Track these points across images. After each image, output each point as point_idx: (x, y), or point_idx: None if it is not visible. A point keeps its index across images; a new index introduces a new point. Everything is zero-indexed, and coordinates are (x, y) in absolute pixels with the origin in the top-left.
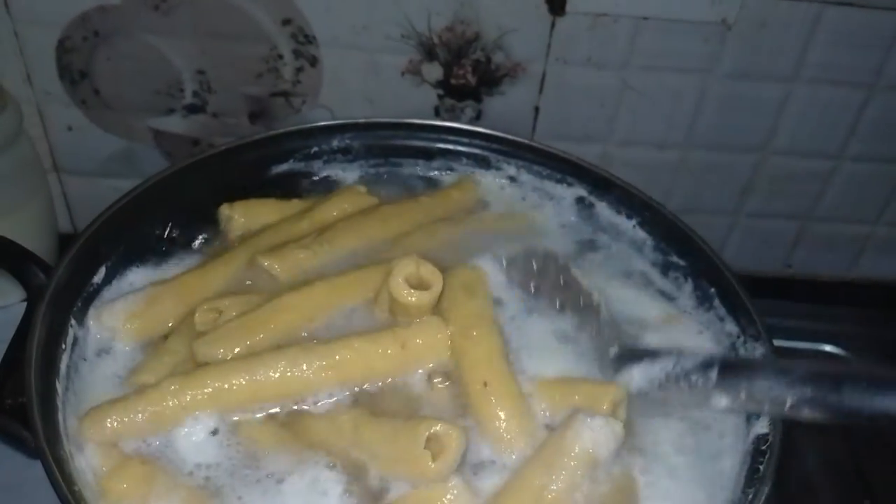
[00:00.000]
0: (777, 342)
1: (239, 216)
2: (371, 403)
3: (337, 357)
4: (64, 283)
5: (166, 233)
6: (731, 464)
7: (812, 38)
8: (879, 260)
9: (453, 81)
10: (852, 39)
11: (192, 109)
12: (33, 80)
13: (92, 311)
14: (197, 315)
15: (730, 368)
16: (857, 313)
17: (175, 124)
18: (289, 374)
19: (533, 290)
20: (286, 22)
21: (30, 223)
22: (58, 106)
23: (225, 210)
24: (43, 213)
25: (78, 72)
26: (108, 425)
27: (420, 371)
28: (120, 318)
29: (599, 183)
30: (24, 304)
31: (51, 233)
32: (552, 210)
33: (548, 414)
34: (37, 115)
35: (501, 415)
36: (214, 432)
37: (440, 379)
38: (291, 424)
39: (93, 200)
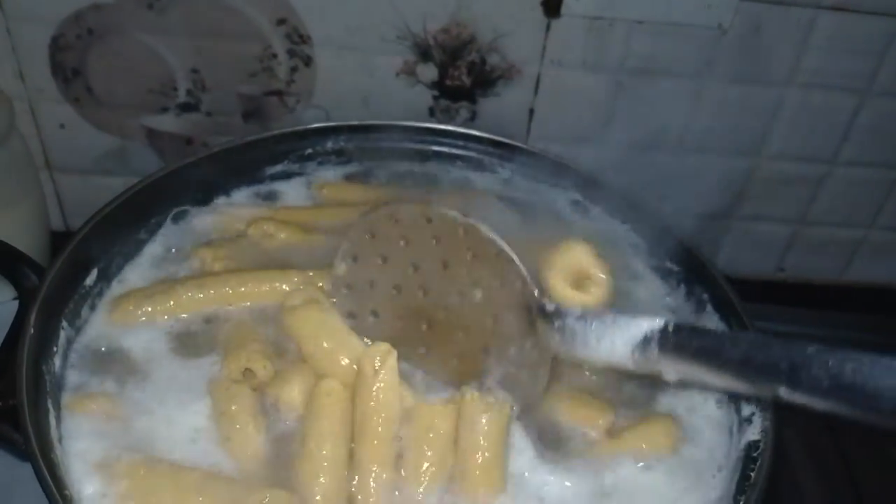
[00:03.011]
0: None
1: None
2: None
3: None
4: (56, 285)
5: (158, 234)
6: (722, 471)
7: (806, 43)
8: (872, 264)
9: (448, 83)
10: (846, 45)
11: (186, 108)
12: (26, 77)
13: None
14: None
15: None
16: (849, 318)
17: (168, 123)
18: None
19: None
20: (281, 21)
21: (22, 221)
22: (50, 103)
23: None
24: (35, 210)
25: (71, 69)
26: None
27: None
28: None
29: (593, 187)
30: (15, 302)
31: (43, 231)
32: None
33: None
34: (29, 112)
35: None
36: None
37: None
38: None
39: (85, 198)
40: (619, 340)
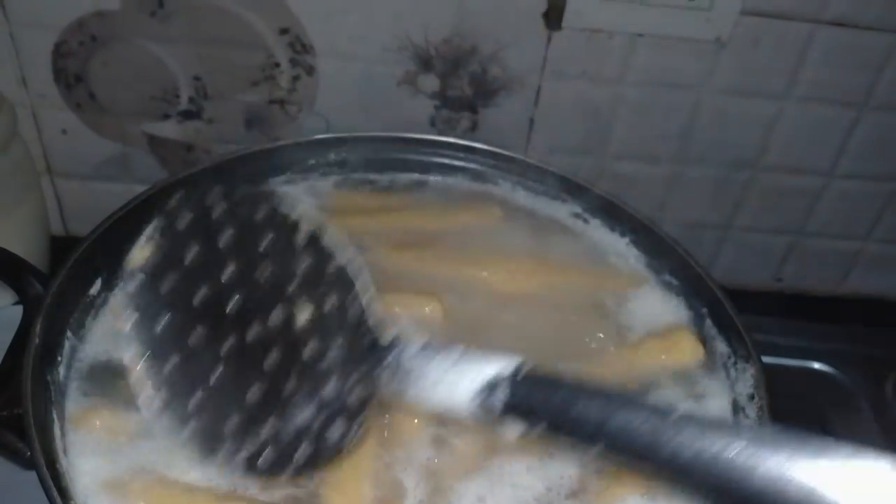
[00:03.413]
0: (766, 359)
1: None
2: None
3: None
4: (60, 294)
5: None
6: None
7: (805, 56)
8: (869, 276)
9: (449, 93)
10: (844, 59)
11: (188, 115)
12: (28, 82)
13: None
14: None
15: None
16: (846, 330)
17: (170, 130)
18: None
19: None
20: (284, 31)
21: (22, 226)
22: (52, 109)
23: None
24: (36, 216)
25: (73, 76)
26: None
27: None
28: None
29: (594, 201)
30: (16, 306)
31: (43, 236)
32: None
33: None
34: (31, 117)
35: None
36: None
37: None
38: None
39: (86, 204)
40: (461, 382)
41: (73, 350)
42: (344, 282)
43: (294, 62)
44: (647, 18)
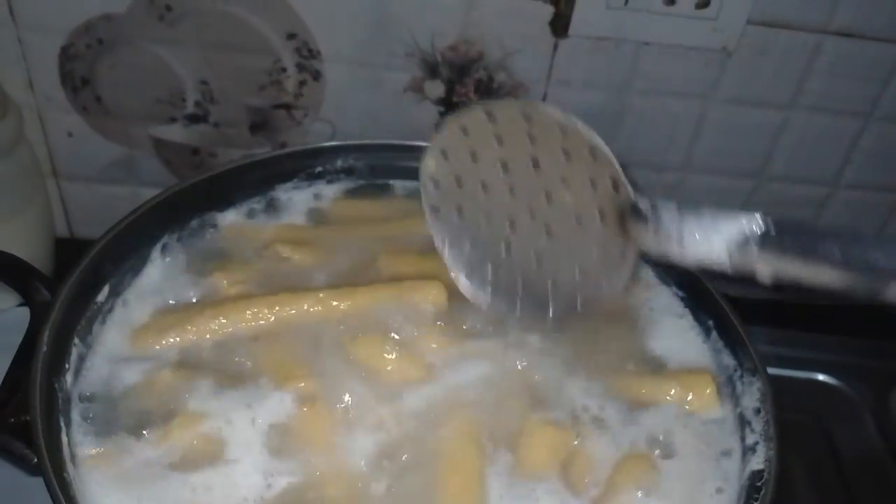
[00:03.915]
0: (769, 371)
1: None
2: None
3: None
4: (68, 301)
5: (169, 251)
6: (726, 500)
7: (811, 67)
8: None
9: (455, 99)
10: (850, 69)
11: (194, 119)
12: (35, 85)
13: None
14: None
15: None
16: (850, 342)
17: (176, 133)
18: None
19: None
20: (291, 36)
21: (28, 229)
22: (59, 112)
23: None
24: (41, 218)
25: (80, 79)
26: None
27: None
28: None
29: None
30: (19, 308)
31: (48, 238)
32: None
33: None
34: (37, 120)
35: None
36: None
37: None
38: None
39: (91, 207)
40: (716, 238)
41: (81, 357)
42: (599, 159)
43: (301, 67)
44: (653, 27)
